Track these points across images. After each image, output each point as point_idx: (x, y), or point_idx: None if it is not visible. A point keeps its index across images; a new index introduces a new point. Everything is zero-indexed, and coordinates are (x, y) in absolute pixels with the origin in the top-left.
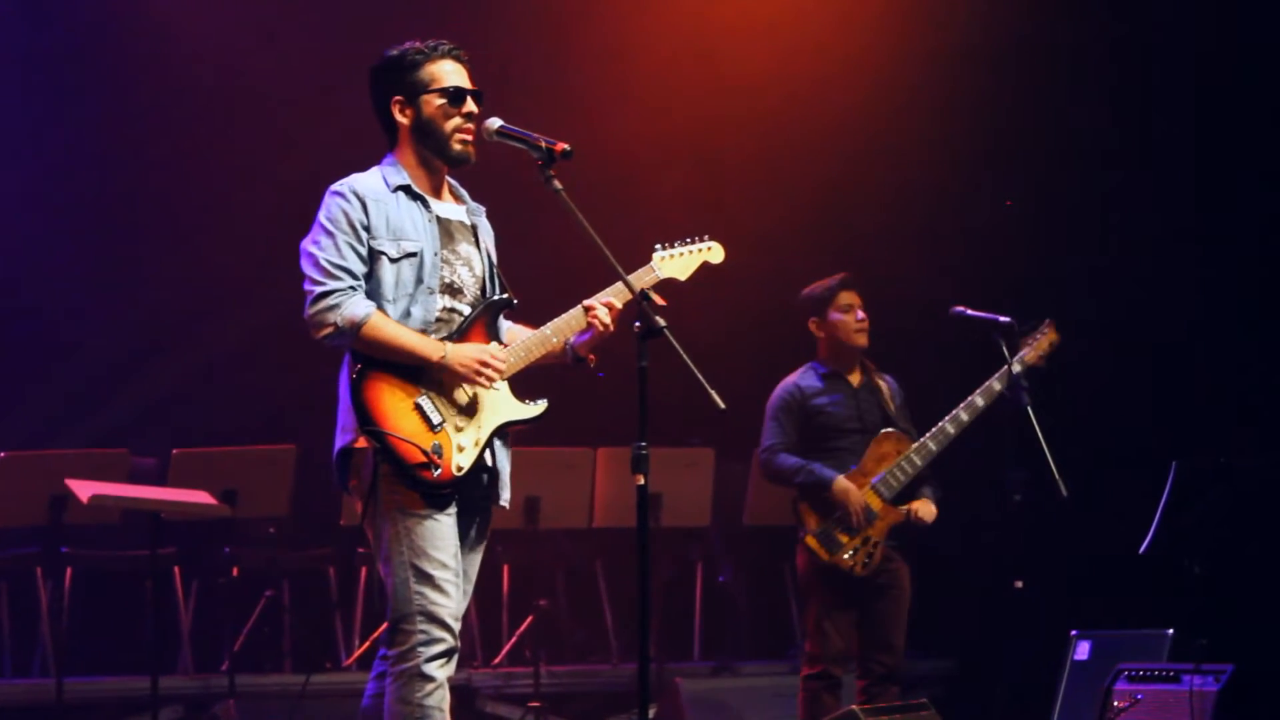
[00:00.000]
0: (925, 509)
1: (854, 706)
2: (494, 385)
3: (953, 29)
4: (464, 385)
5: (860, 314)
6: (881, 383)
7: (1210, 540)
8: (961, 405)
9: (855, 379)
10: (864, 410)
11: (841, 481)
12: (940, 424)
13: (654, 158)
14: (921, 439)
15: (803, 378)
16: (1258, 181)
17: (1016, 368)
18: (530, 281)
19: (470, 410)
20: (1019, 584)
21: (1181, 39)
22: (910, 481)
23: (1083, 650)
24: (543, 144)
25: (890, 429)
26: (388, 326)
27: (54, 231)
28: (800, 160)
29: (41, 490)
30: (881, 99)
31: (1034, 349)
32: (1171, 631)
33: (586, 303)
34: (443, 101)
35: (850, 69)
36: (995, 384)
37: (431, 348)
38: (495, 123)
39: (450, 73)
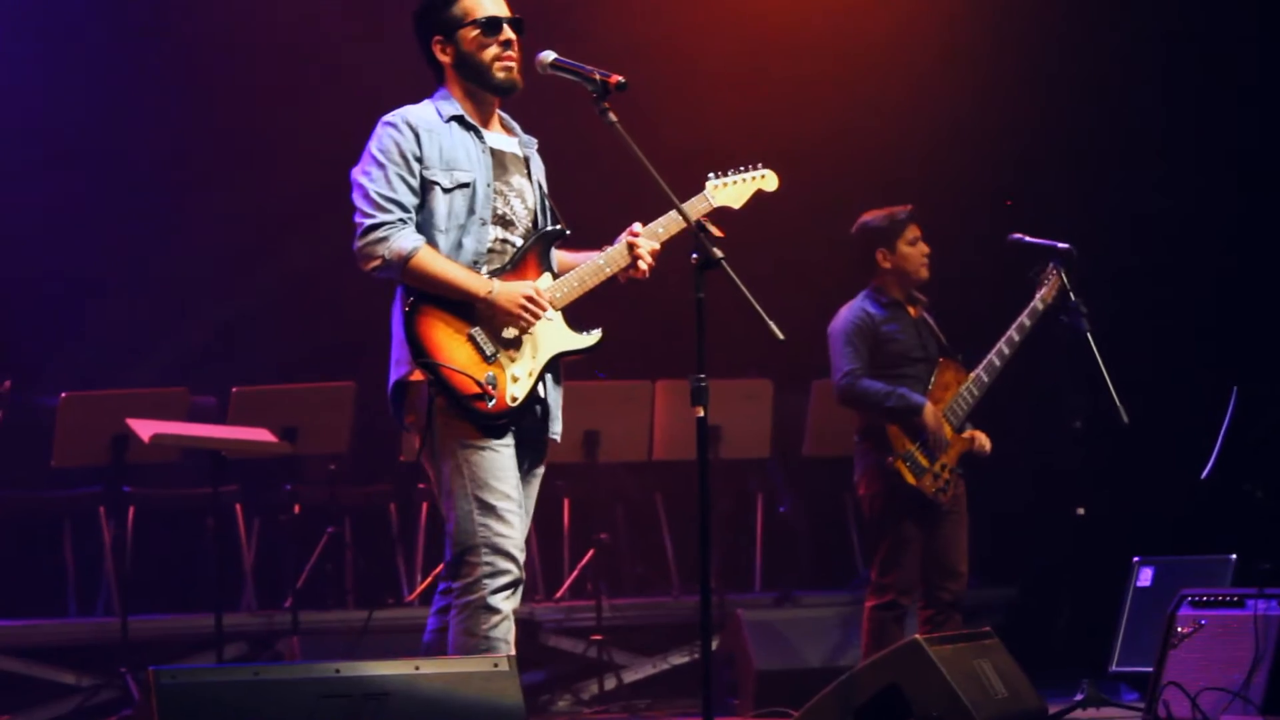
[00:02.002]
0: (985, 438)
1: (917, 636)
2: (546, 317)
3: None
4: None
5: (925, 248)
6: (927, 316)
7: (1272, 464)
8: (1002, 339)
9: (913, 310)
10: (925, 339)
11: (930, 406)
12: (988, 357)
13: (704, 83)
14: (975, 370)
15: (866, 304)
16: None
17: (1041, 304)
18: (584, 211)
19: (523, 341)
20: (1081, 510)
21: None
22: (971, 410)
23: (1145, 576)
24: (597, 76)
25: (948, 358)
26: (435, 261)
27: (113, 170)
28: (850, 84)
29: (103, 430)
30: (935, 24)
31: (1049, 288)
32: (1235, 556)
33: (633, 228)
34: (478, 32)
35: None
36: (1025, 319)
37: (478, 283)
38: (549, 55)
39: (485, 4)
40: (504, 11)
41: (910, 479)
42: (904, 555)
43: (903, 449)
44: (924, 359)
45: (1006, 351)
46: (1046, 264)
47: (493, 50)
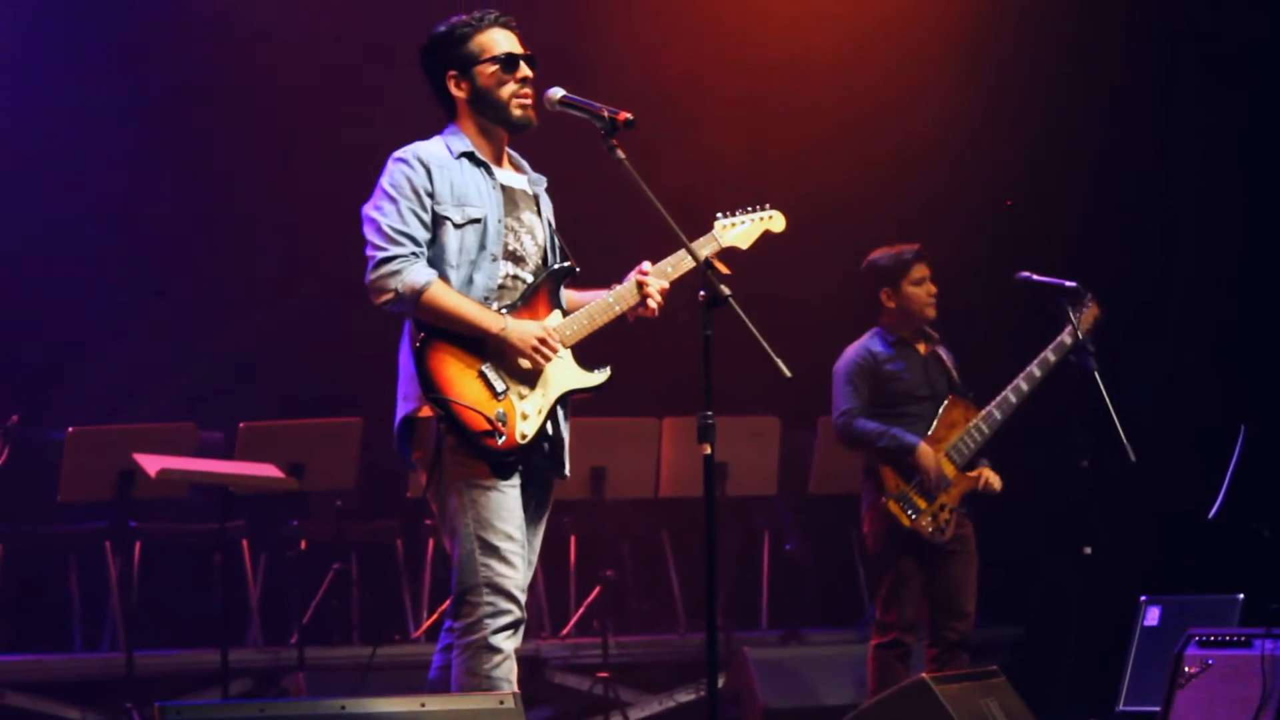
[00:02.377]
0: (994, 477)
1: (924, 675)
2: (556, 355)
3: None
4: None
5: (932, 287)
6: (942, 352)
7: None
8: (1021, 375)
9: (922, 347)
10: (933, 377)
11: (924, 446)
12: (1003, 393)
13: (714, 122)
14: (987, 407)
15: (871, 343)
16: None
17: (1070, 339)
18: (593, 249)
19: (533, 378)
20: (1088, 550)
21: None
22: (979, 449)
23: (1152, 616)
24: (605, 113)
25: (958, 396)
26: (448, 295)
27: (122, 207)
28: (860, 124)
29: (110, 465)
30: (938, 61)
31: (1080, 323)
32: (1242, 596)
33: (643, 267)
34: (495, 69)
35: (915, 31)
36: (1050, 355)
37: (491, 320)
38: (558, 92)
39: (501, 40)
40: (519, 49)
41: (904, 519)
42: (905, 593)
43: (896, 489)
44: (929, 397)
45: (1025, 388)
46: (1080, 298)
47: (511, 87)
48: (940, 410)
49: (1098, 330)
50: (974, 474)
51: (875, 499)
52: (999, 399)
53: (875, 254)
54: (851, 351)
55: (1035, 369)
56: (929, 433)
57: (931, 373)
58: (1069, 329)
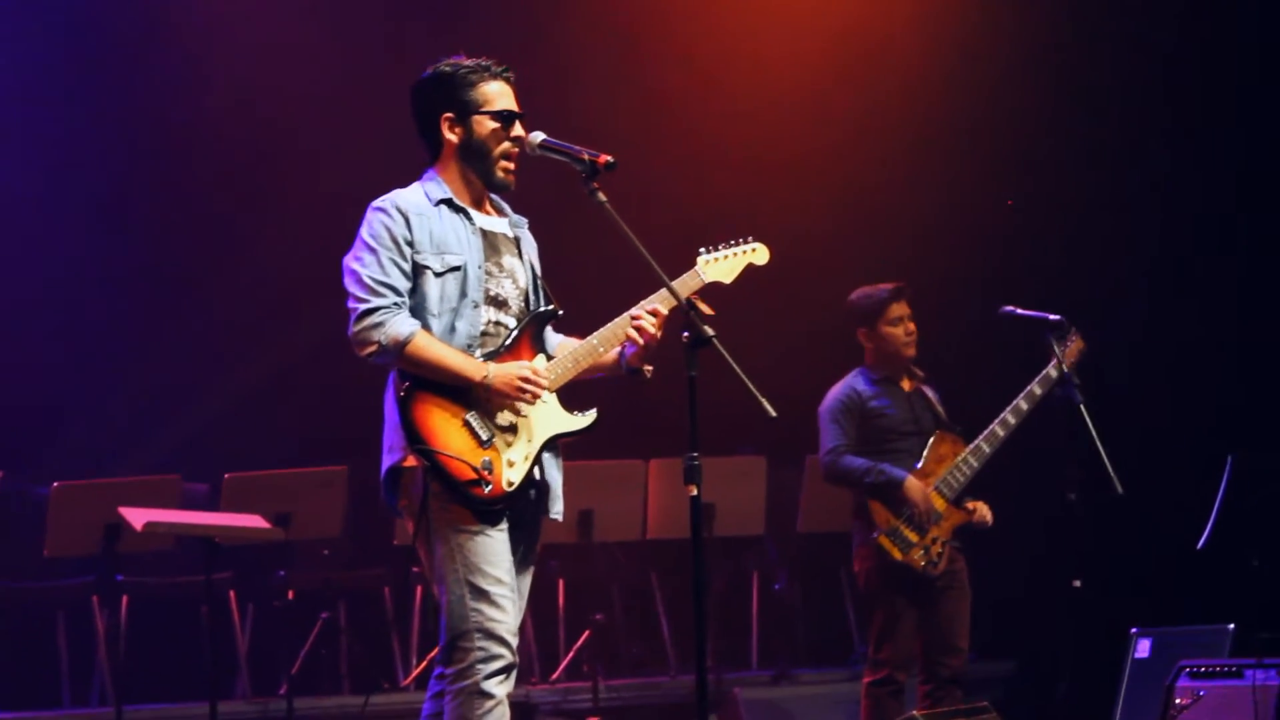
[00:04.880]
0: (987, 511)
1: (915, 712)
2: (540, 400)
3: (996, 30)
4: (510, 402)
5: (910, 326)
6: (927, 390)
7: (1269, 533)
8: (1008, 409)
9: (906, 384)
10: (918, 413)
11: (913, 480)
12: (991, 427)
13: (695, 161)
14: (975, 441)
15: (855, 381)
16: None
17: (1056, 372)
18: (576, 291)
19: (519, 425)
20: (1077, 583)
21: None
22: (969, 482)
23: (1143, 648)
24: (585, 156)
25: (945, 430)
26: (432, 346)
27: (103, 259)
28: (843, 160)
29: (95, 519)
30: (924, 100)
31: (1065, 357)
32: (1233, 626)
33: (632, 312)
34: (496, 125)
35: (893, 69)
36: (1036, 389)
37: (474, 368)
38: (538, 136)
39: (501, 95)
40: (515, 106)
41: (896, 554)
42: (897, 630)
43: (886, 524)
44: (916, 433)
45: (1012, 421)
46: (1066, 331)
47: (504, 146)
48: (928, 445)
49: (1083, 362)
50: (970, 506)
51: (866, 536)
52: (986, 433)
53: (854, 294)
54: (836, 390)
55: (1022, 402)
56: (918, 467)
57: (917, 409)
58: (1054, 362)
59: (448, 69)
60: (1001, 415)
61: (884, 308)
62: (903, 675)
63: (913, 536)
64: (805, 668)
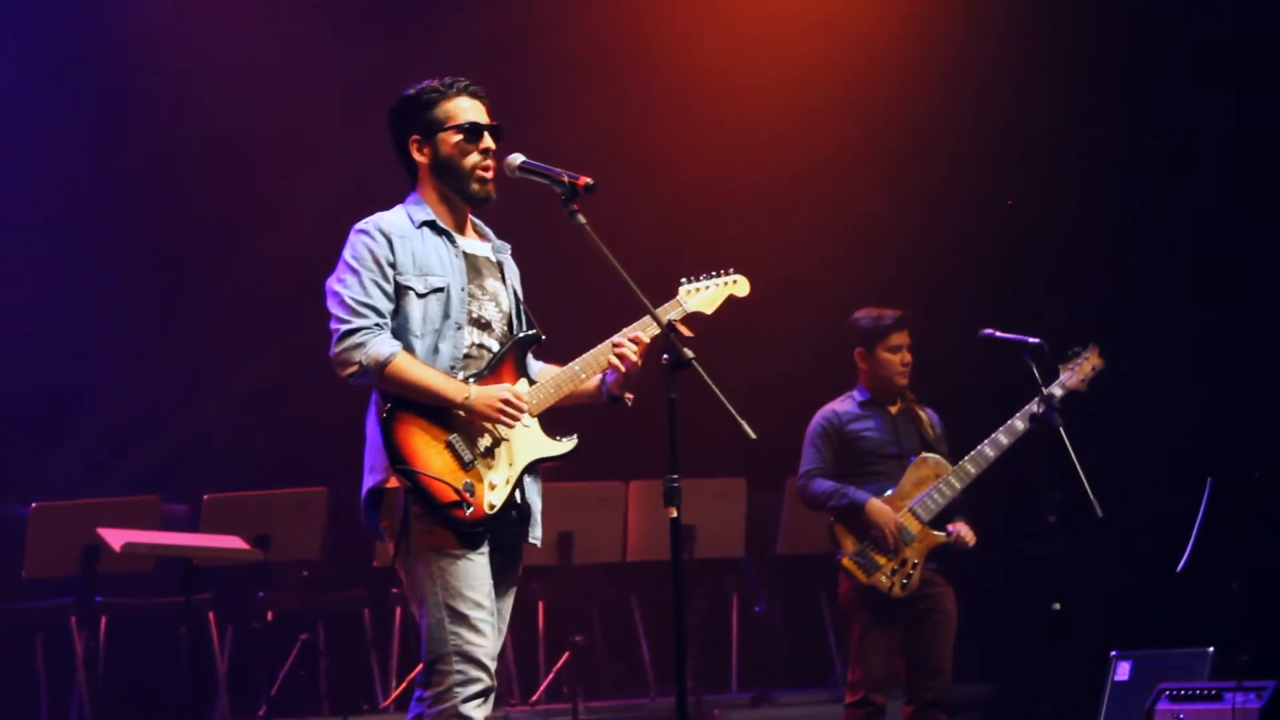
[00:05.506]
0: (966, 532)
1: None
2: (522, 424)
3: (983, 55)
4: (491, 425)
5: (907, 356)
6: (922, 413)
7: (1248, 555)
8: (1000, 429)
9: (894, 407)
10: (902, 435)
11: (875, 503)
12: (979, 448)
13: (678, 190)
14: (960, 462)
15: (841, 404)
16: None
17: (1057, 391)
18: (558, 317)
19: (500, 448)
20: (1057, 606)
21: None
22: (949, 505)
23: (1123, 671)
24: (565, 179)
25: (929, 453)
26: (413, 366)
27: (81, 280)
28: (826, 185)
29: (74, 540)
30: (908, 125)
31: (1076, 373)
32: (1212, 649)
33: (614, 339)
34: (460, 138)
35: (876, 96)
36: (1034, 407)
37: (455, 390)
38: (518, 158)
39: (467, 109)
40: (485, 118)
41: (861, 576)
42: (870, 650)
43: (851, 547)
44: (896, 455)
45: (1005, 441)
46: (1078, 351)
47: (474, 158)
48: (907, 468)
49: (1098, 379)
50: (953, 526)
51: (838, 556)
52: (973, 454)
53: (858, 313)
54: (818, 414)
55: (1017, 422)
56: (894, 489)
57: (901, 431)
58: (1037, 399)
59: (411, 92)
60: (991, 437)
61: (886, 333)
62: (880, 697)
63: (879, 559)
64: (785, 689)
